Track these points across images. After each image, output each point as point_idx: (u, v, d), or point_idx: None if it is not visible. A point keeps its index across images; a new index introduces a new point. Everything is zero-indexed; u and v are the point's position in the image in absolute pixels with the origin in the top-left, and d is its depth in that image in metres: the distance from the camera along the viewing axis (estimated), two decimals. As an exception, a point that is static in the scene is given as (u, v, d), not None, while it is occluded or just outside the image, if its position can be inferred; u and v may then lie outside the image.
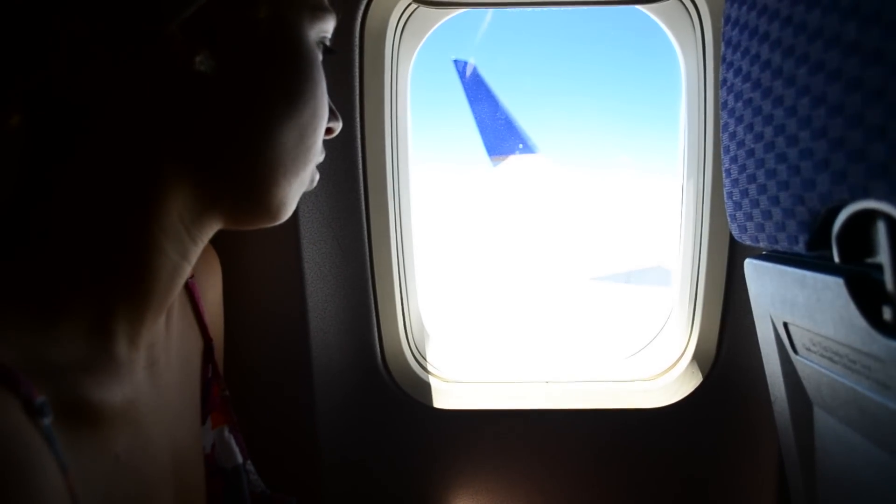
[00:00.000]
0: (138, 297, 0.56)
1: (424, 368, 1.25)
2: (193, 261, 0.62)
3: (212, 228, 0.62)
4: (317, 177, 0.69)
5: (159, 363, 0.65)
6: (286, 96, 0.58)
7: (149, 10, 0.48)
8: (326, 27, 0.62)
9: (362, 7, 1.04)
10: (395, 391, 1.19)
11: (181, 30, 0.50)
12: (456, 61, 15.71)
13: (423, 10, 1.13)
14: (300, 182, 0.64)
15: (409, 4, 1.11)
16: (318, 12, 0.60)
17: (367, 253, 1.14)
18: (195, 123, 0.54)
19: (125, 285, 0.55)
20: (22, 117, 0.49)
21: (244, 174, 0.58)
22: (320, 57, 0.62)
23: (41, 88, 0.49)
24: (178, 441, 0.68)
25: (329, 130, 0.67)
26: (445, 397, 1.20)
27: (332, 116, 0.67)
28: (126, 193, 0.53)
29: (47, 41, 0.47)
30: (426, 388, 1.21)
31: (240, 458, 0.78)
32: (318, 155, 0.65)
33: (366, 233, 1.13)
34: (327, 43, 0.64)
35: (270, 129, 0.57)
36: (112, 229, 0.53)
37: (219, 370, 0.82)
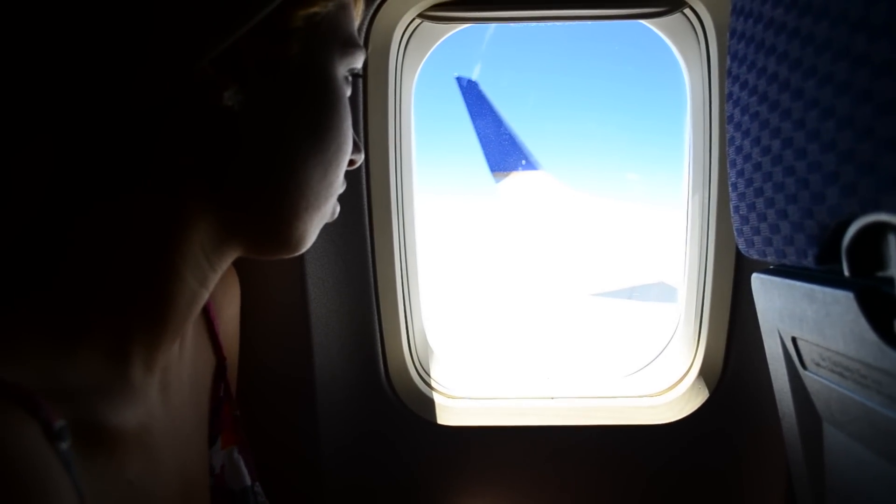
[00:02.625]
0: (156, 323, 0.57)
1: (428, 385, 1.24)
2: (212, 287, 0.62)
3: (231, 257, 0.62)
4: (338, 209, 0.68)
5: (172, 385, 0.65)
6: (313, 133, 0.58)
7: (182, 46, 0.48)
8: (356, 62, 0.62)
9: (366, 22, 1.04)
10: (399, 408, 1.18)
11: (212, 65, 0.50)
12: (459, 78, 15.81)
13: (427, 24, 1.14)
14: (321, 216, 0.64)
15: (413, 20, 1.12)
16: (348, 48, 0.60)
17: (371, 269, 1.14)
18: (221, 157, 0.54)
19: (144, 312, 0.55)
20: (50, 146, 0.49)
21: (268, 208, 0.59)
22: (348, 91, 0.62)
23: (71, 120, 0.49)
24: (186, 464, 0.67)
25: (351, 162, 0.67)
26: (449, 414, 1.19)
27: (354, 148, 0.66)
28: (150, 224, 0.53)
29: (80, 74, 0.47)
30: (430, 404, 1.20)
31: (248, 480, 0.77)
32: (339, 188, 0.65)
33: (369, 248, 1.13)
34: (358, 73, 0.64)
35: (296, 165, 0.58)
36: (134, 258, 0.53)
37: (231, 389, 0.81)
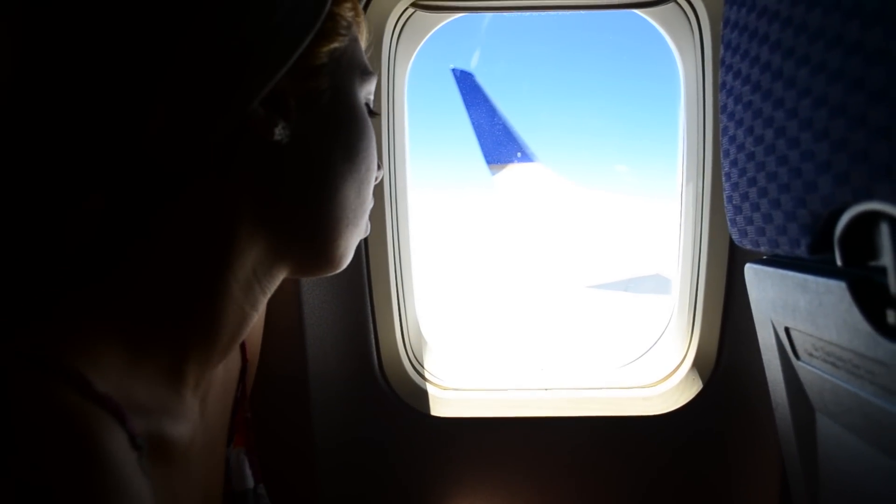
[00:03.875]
0: (209, 343, 0.61)
1: (422, 376, 1.24)
2: (260, 309, 0.66)
3: (279, 279, 0.67)
4: (369, 225, 0.74)
5: (208, 397, 0.69)
6: (347, 156, 0.64)
7: (234, 90, 0.53)
8: (371, 88, 0.69)
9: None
10: (393, 399, 1.18)
11: (262, 105, 0.55)
12: (454, 70, 15.76)
13: (420, 14, 1.13)
14: (358, 232, 0.69)
15: (407, 8, 1.11)
16: (365, 76, 0.67)
17: (364, 260, 1.14)
18: (271, 187, 0.59)
19: (199, 332, 0.59)
20: (115, 180, 0.53)
21: (313, 230, 0.64)
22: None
23: (137, 155, 0.53)
24: (211, 470, 0.71)
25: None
26: (443, 405, 1.19)
27: (377, 166, 0.72)
28: (208, 250, 0.58)
29: (144, 116, 0.51)
30: (423, 395, 1.20)
31: (251, 483, 0.79)
32: (370, 204, 0.71)
33: (362, 240, 1.13)
34: (370, 104, 0.69)
35: (335, 187, 0.63)
36: (192, 280, 0.58)
37: (247, 391, 0.83)
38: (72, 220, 0.54)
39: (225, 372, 0.76)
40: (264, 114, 0.55)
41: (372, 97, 0.70)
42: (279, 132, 0.56)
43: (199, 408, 0.65)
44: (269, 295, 0.66)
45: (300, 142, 0.59)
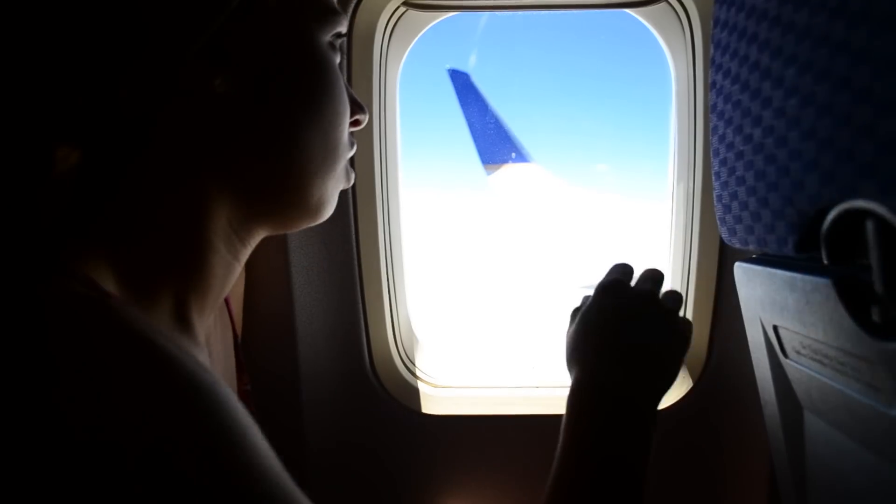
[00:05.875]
0: (202, 289, 0.61)
1: (413, 374, 1.24)
2: (243, 260, 0.65)
3: (259, 233, 0.65)
4: (353, 175, 0.71)
5: (211, 356, 0.69)
6: (305, 102, 0.60)
7: (167, 44, 0.51)
8: (337, 27, 0.64)
9: (350, 10, 1.03)
10: (384, 396, 1.18)
11: (197, 56, 0.53)
12: (450, 70, 15.72)
13: (412, 12, 1.13)
14: (335, 178, 0.66)
15: (398, 7, 1.11)
16: (326, 16, 0.62)
17: (356, 257, 1.14)
18: (225, 140, 0.57)
19: (193, 279, 0.59)
20: (77, 142, 0.52)
21: (277, 180, 0.61)
22: (336, 56, 0.64)
23: (84, 122, 0.52)
24: None
25: (356, 122, 0.69)
26: (434, 403, 1.20)
27: (358, 108, 0.68)
28: (180, 204, 0.57)
29: (85, 83, 0.50)
30: (415, 393, 1.20)
31: None
32: (347, 149, 0.67)
33: (354, 237, 1.13)
34: (339, 45, 0.66)
35: (294, 134, 0.60)
36: (175, 232, 0.57)
37: (242, 363, 0.84)
38: (46, 174, 0.52)
39: (224, 341, 0.77)
40: (200, 65, 0.53)
41: (342, 31, 0.65)
42: (220, 84, 0.54)
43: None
44: (250, 247, 0.65)
45: (250, 92, 0.56)
